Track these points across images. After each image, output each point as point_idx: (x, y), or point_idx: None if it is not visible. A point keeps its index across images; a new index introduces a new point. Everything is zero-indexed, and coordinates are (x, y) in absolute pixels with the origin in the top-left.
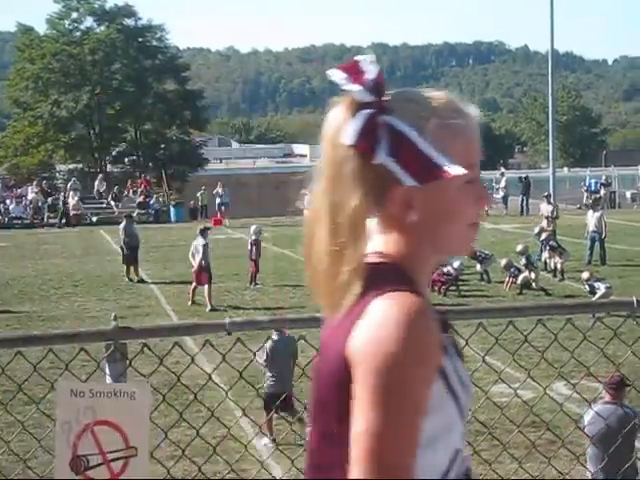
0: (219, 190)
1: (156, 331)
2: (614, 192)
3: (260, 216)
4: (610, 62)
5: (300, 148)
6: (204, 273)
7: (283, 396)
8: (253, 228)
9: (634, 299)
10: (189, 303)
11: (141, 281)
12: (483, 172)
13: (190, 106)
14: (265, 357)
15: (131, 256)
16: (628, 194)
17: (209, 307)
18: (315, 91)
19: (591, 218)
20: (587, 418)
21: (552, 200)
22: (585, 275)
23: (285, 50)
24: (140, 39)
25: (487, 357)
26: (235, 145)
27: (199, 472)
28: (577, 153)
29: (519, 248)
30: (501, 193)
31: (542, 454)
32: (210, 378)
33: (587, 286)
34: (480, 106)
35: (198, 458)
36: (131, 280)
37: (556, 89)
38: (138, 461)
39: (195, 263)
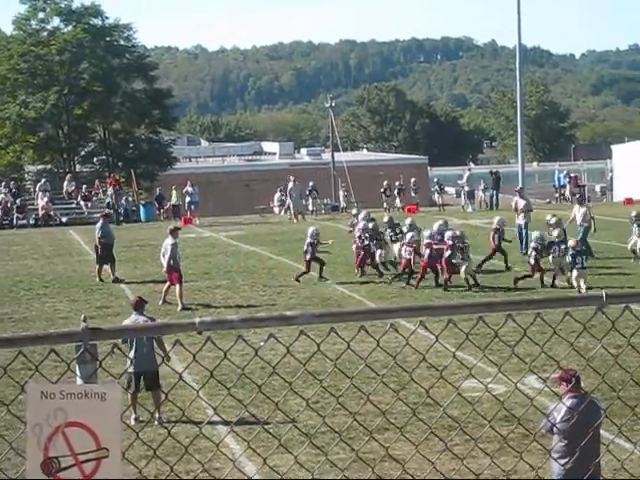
0: (189, 189)
1: (126, 331)
2: (583, 186)
3: (230, 214)
4: (578, 56)
5: (270, 146)
6: (174, 273)
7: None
8: (311, 230)
9: (603, 293)
10: (160, 302)
11: (117, 280)
12: (451, 168)
13: (159, 105)
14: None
15: (107, 255)
16: (597, 188)
17: (180, 306)
18: (284, 88)
19: (578, 213)
20: (560, 414)
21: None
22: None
23: (253, 48)
24: (107, 38)
25: (460, 353)
26: (204, 144)
27: (171, 472)
28: (546, 147)
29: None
30: (466, 188)
31: (514, 449)
32: (181, 377)
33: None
34: (449, 102)
35: (171, 457)
36: (102, 280)
37: (524, 84)
38: (110, 462)
39: (164, 263)
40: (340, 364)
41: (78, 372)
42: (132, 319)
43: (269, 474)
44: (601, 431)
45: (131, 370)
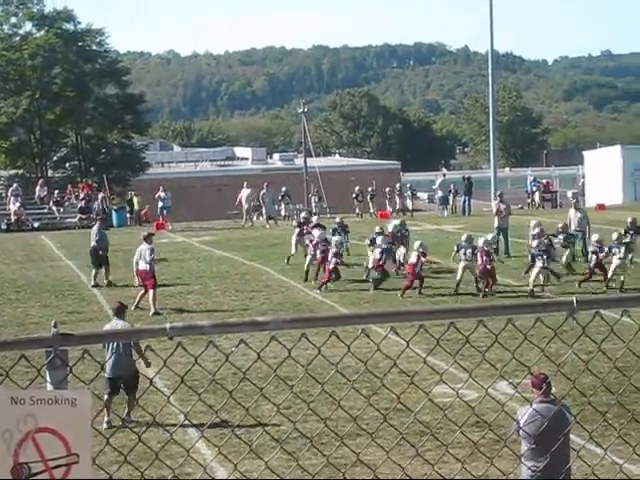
0: (161, 194)
1: (97, 337)
2: (555, 192)
3: (202, 219)
4: (550, 62)
5: (242, 151)
6: (150, 279)
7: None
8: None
9: (574, 299)
10: (132, 307)
11: (110, 284)
12: (425, 173)
13: (131, 110)
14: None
15: (102, 259)
16: (569, 194)
17: (152, 311)
18: (257, 94)
19: (573, 218)
20: (524, 417)
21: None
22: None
23: (226, 53)
24: (80, 43)
25: (431, 358)
26: (177, 149)
27: (142, 477)
28: (518, 153)
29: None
30: (440, 193)
31: (484, 454)
32: (151, 383)
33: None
34: (421, 107)
35: (142, 463)
36: (97, 285)
37: (497, 90)
38: (80, 467)
39: (140, 268)
40: (312, 370)
41: (48, 378)
42: (112, 324)
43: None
44: (572, 436)
45: (107, 375)
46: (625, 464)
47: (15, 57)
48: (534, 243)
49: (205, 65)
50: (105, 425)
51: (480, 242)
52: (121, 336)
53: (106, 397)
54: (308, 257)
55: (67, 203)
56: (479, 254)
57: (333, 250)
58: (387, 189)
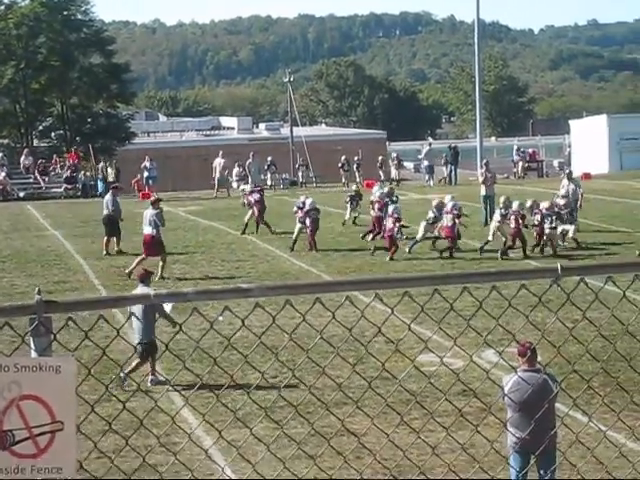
0: (147, 164)
1: (80, 304)
2: (541, 161)
3: (188, 189)
4: (536, 31)
5: (228, 121)
6: (156, 243)
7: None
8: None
9: (558, 266)
10: (126, 271)
11: (120, 252)
12: (411, 142)
13: (116, 80)
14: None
15: (115, 228)
16: (555, 163)
17: (158, 277)
18: (242, 63)
19: (567, 187)
20: (508, 385)
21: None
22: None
23: (211, 22)
24: (65, 12)
25: (418, 327)
26: (162, 118)
27: (126, 445)
28: (504, 122)
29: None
30: (426, 163)
31: (470, 422)
32: (136, 350)
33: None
34: (407, 77)
35: (130, 432)
36: (109, 254)
37: (483, 59)
38: (65, 435)
39: (144, 233)
40: (298, 338)
41: (32, 345)
42: (138, 291)
43: (227, 448)
44: (558, 405)
45: (144, 340)
46: (609, 432)
47: (0, 26)
48: (561, 202)
49: (191, 34)
50: (150, 384)
51: (515, 205)
52: (104, 304)
53: (140, 362)
54: (298, 225)
55: (52, 173)
56: (513, 217)
57: (394, 216)
58: (380, 158)
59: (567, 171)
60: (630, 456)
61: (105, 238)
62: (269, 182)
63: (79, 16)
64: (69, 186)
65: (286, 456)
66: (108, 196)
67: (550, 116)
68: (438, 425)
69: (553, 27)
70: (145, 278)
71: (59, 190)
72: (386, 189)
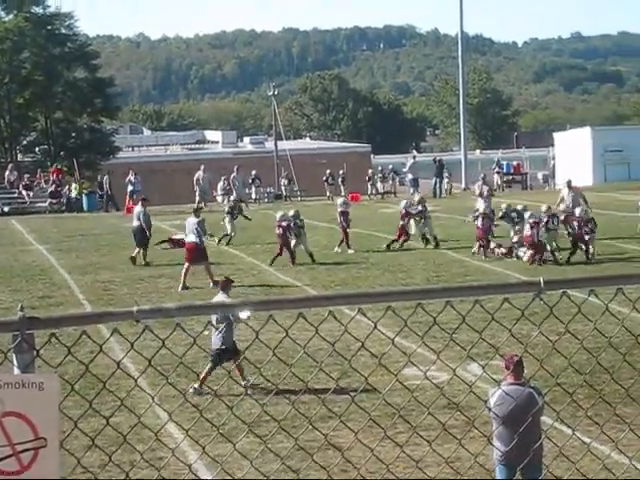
0: (131, 178)
1: (63, 320)
2: (525, 174)
3: (173, 203)
4: (520, 44)
5: (212, 135)
6: (199, 251)
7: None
8: (340, 200)
9: (541, 279)
10: (179, 289)
11: (147, 264)
12: (395, 156)
13: (101, 94)
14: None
15: (144, 239)
16: (540, 175)
17: (212, 284)
18: (227, 77)
19: (567, 196)
20: (494, 399)
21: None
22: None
23: (196, 36)
24: (49, 27)
25: (403, 341)
26: (147, 132)
27: (110, 461)
28: (489, 135)
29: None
30: (410, 176)
31: (453, 436)
32: (118, 366)
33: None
34: (392, 90)
35: (115, 447)
36: (134, 264)
37: (467, 72)
38: (48, 452)
39: (187, 241)
40: (284, 353)
41: (15, 362)
42: (216, 298)
43: (212, 463)
44: (544, 418)
45: (223, 346)
46: (595, 444)
47: None
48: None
49: (175, 48)
50: (244, 383)
51: (577, 212)
52: (87, 319)
53: (210, 367)
54: (293, 241)
55: (37, 187)
56: (576, 222)
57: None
58: (370, 171)
59: (567, 180)
60: (615, 468)
61: (137, 250)
62: (254, 196)
63: (63, 30)
64: (54, 200)
65: (271, 470)
66: (138, 207)
67: (534, 129)
68: (424, 439)
69: (537, 40)
70: (226, 286)
71: (44, 205)
72: (417, 198)
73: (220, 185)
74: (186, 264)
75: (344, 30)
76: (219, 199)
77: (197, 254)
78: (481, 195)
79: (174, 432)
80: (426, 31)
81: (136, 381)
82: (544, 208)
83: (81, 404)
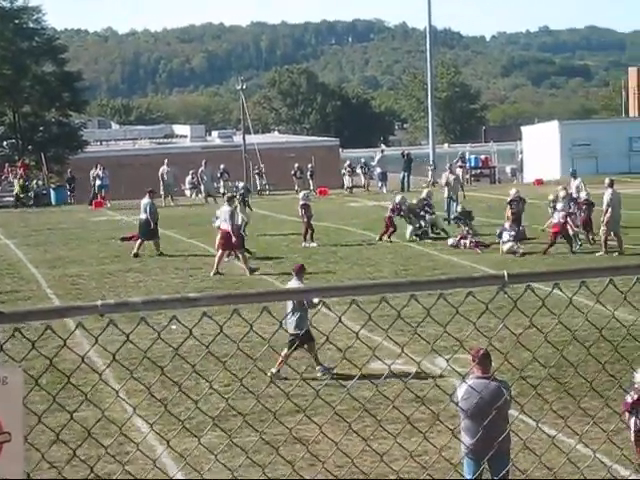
0: (99, 172)
1: (29, 315)
2: (494, 167)
3: (141, 197)
4: (488, 38)
5: (181, 129)
6: (229, 239)
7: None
8: (302, 194)
9: (504, 273)
10: (212, 273)
11: (161, 254)
12: (364, 150)
13: (69, 88)
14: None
15: (154, 231)
16: (508, 169)
17: (248, 273)
18: (195, 71)
19: (572, 184)
20: (460, 392)
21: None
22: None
23: (164, 30)
24: (16, 21)
25: (371, 334)
26: (115, 127)
27: (74, 456)
28: (457, 129)
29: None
30: (378, 170)
31: (419, 430)
32: (83, 360)
33: None
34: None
35: (81, 442)
36: (137, 256)
37: (435, 66)
38: (12, 446)
39: (222, 228)
40: (253, 347)
41: None
42: (293, 283)
43: (178, 458)
44: (512, 411)
45: (297, 331)
46: (562, 437)
47: None
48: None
49: (143, 42)
50: (272, 372)
51: (582, 195)
52: (53, 314)
53: (286, 352)
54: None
55: (4, 182)
56: (577, 206)
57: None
58: (347, 163)
59: (571, 170)
60: (580, 461)
61: (139, 241)
62: (222, 190)
63: (31, 24)
64: (21, 195)
65: (237, 465)
66: (145, 199)
67: (502, 123)
68: (391, 432)
69: (505, 34)
70: (299, 272)
71: (11, 199)
72: (425, 192)
73: (188, 179)
74: (220, 251)
75: (312, 24)
76: (187, 193)
77: (232, 240)
78: (447, 185)
79: (141, 426)
80: (394, 25)
81: (100, 375)
82: (562, 194)
83: (47, 399)
